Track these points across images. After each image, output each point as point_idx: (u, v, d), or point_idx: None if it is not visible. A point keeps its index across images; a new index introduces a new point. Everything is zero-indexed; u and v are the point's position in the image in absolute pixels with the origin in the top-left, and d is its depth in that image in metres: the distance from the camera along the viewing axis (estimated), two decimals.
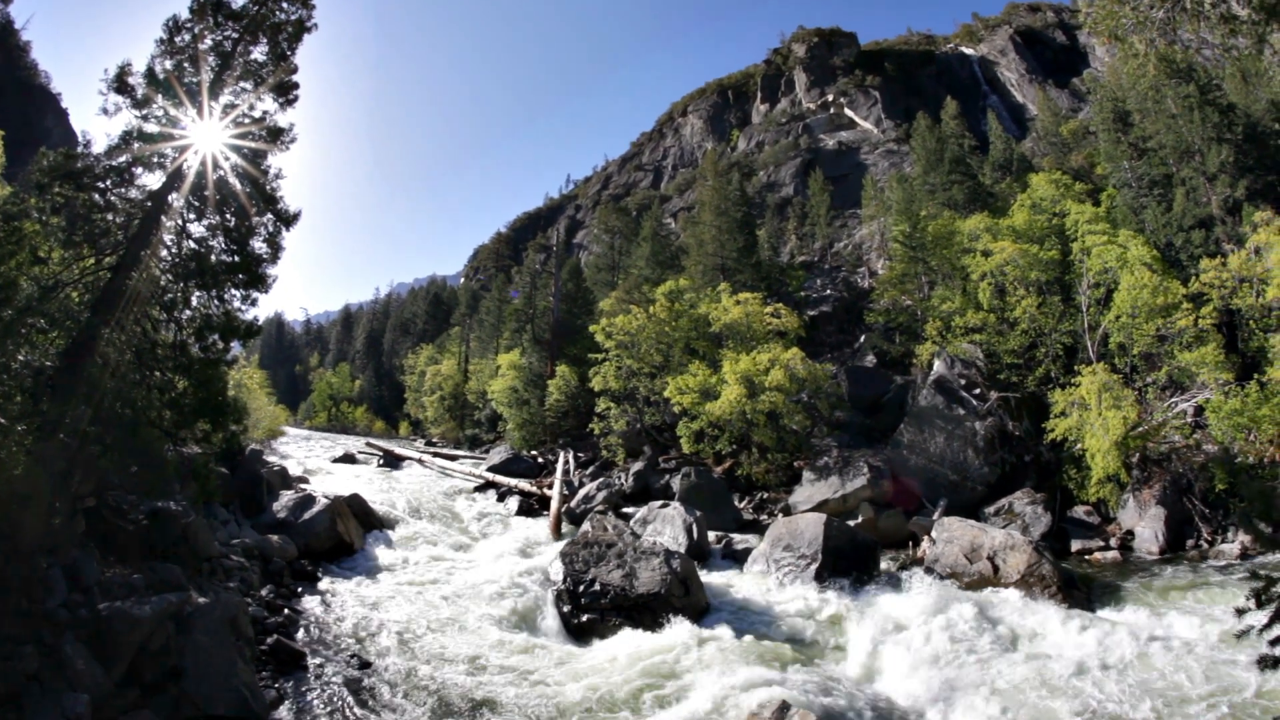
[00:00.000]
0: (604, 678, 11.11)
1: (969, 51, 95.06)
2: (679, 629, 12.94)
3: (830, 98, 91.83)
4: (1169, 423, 21.03)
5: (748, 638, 12.86)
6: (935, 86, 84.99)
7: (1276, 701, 9.22)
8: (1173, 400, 22.15)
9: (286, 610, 12.47)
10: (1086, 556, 19.10)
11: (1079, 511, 21.55)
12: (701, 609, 14.59)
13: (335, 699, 9.72)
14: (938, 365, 26.88)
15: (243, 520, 16.59)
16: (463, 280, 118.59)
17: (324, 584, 14.77)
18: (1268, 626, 4.67)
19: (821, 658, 12.72)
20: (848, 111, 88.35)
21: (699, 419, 28.41)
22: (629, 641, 12.77)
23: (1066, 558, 18.89)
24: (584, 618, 13.89)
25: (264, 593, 12.94)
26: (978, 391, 25.47)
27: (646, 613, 13.68)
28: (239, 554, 13.93)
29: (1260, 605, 4.72)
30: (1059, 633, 13.08)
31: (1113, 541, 19.61)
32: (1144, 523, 19.51)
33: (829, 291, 48.04)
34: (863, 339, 39.64)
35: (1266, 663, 4.72)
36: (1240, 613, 4.86)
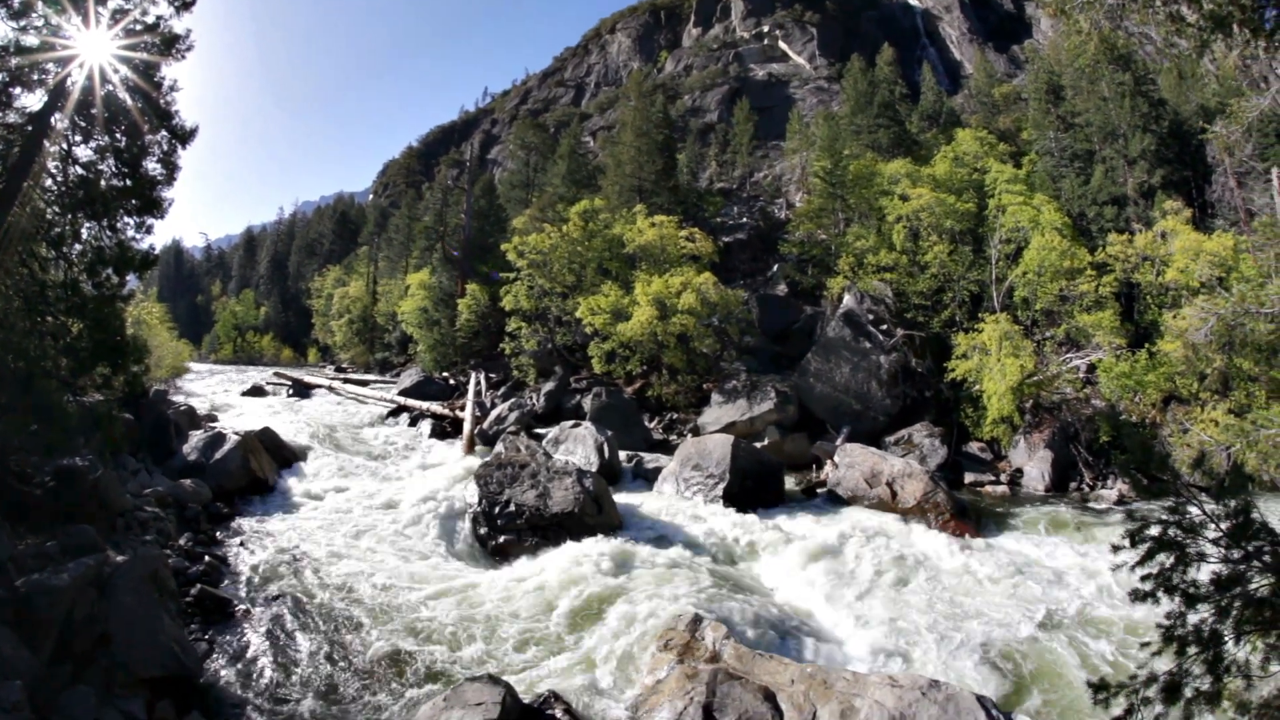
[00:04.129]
0: (522, 597, 11.32)
1: (914, 2, 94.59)
2: (593, 547, 13.12)
3: (766, 29, 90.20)
4: (1062, 376, 22.65)
5: (660, 554, 13.18)
6: (874, 31, 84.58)
7: (1142, 633, 9.88)
8: (1068, 356, 23.83)
9: (207, 557, 12.04)
10: (978, 489, 20.45)
11: (973, 447, 23.06)
12: (615, 527, 14.85)
13: (265, 642, 9.62)
14: (848, 299, 27.50)
15: (153, 467, 15.74)
16: (371, 197, 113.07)
17: (242, 524, 14.31)
18: (1140, 564, 5.09)
19: (730, 572, 13.22)
20: (782, 44, 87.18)
21: (610, 340, 28.47)
22: (545, 561, 12.94)
23: (960, 488, 20.18)
24: (500, 539, 13.97)
25: (182, 541, 12.41)
26: (884, 327, 26.31)
27: (561, 532, 13.86)
28: (152, 504, 13.26)
29: (1134, 545, 5.14)
30: (948, 554, 14.14)
31: (1003, 477, 21.17)
32: (1033, 463, 21.07)
33: (745, 220, 48.06)
34: (775, 268, 40.20)
35: (1137, 595, 5.17)
36: (1116, 549, 5.24)
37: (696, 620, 9.47)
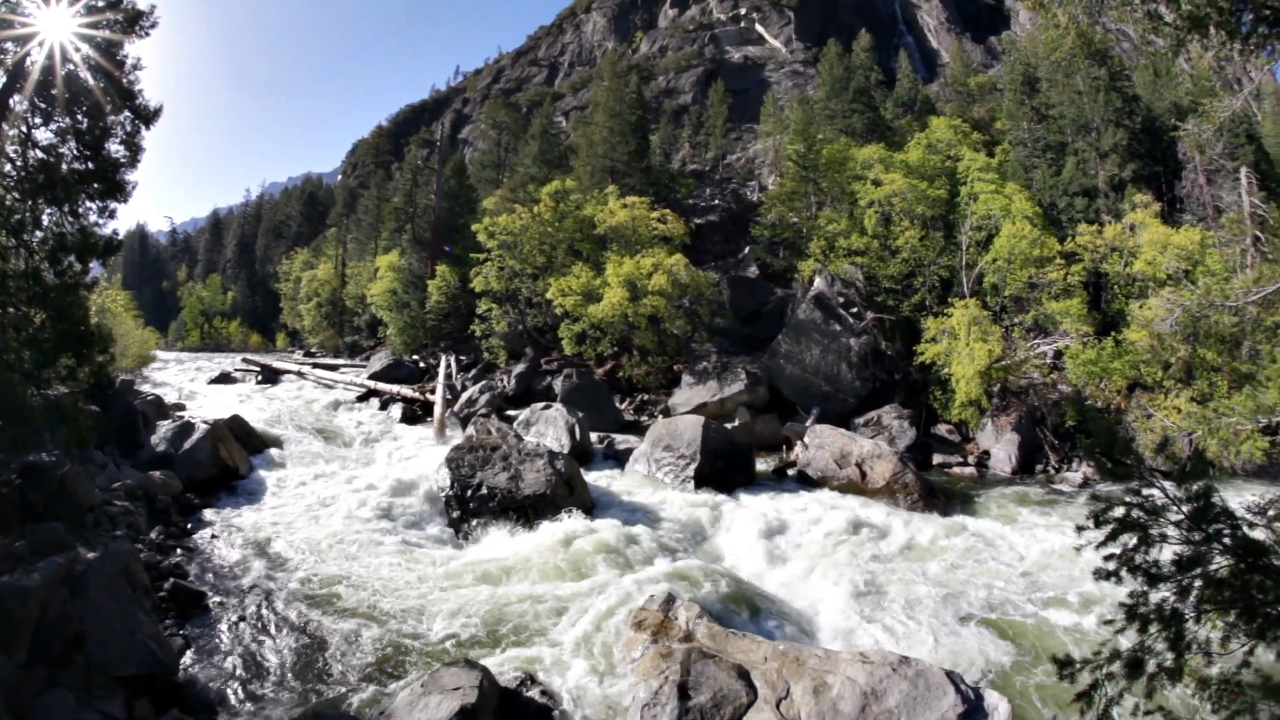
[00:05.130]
0: (496, 580, 11.36)
1: None
2: (566, 528, 13.19)
3: (743, 11, 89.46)
4: (1030, 361, 23.18)
5: (632, 534, 13.26)
6: (852, 17, 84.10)
7: (1106, 612, 10.03)
8: (1035, 342, 24.33)
9: (179, 550, 11.91)
10: (946, 470, 20.81)
11: (942, 429, 23.45)
12: (587, 508, 14.91)
13: (241, 634, 9.56)
14: (818, 282, 27.65)
15: (121, 460, 15.39)
16: (340, 178, 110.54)
17: (213, 515, 14.11)
18: (1103, 543, 5.17)
19: (702, 552, 13.42)
20: (759, 27, 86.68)
21: (581, 321, 28.46)
22: (518, 543, 12.96)
23: (928, 469, 20.64)
24: (473, 522, 13.95)
25: (153, 535, 12.20)
26: (855, 310, 26.51)
27: (534, 514, 13.91)
28: (122, 497, 12.98)
29: (1098, 525, 5.21)
30: (917, 533, 14.45)
31: (971, 459, 21.55)
32: (1000, 445, 21.48)
33: (717, 201, 48.06)
34: (747, 250, 40.30)
35: (1101, 574, 5.25)
36: (1080, 530, 5.31)
37: (670, 600, 9.57)
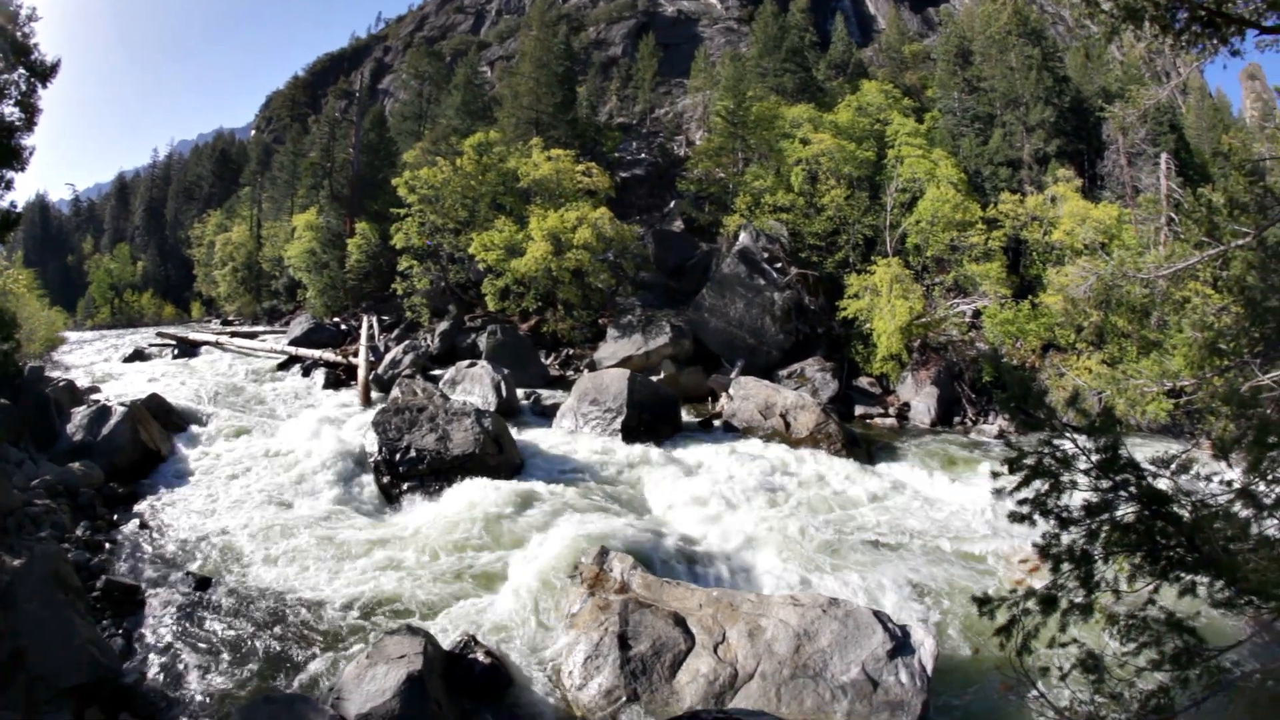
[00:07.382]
0: (430, 544, 11.29)
1: None
2: (497, 487, 13.14)
3: None
4: (949, 319, 24.24)
5: (562, 489, 13.44)
6: None
7: (1019, 554, 10.99)
8: (955, 301, 25.41)
9: (108, 545, 11.38)
10: (868, 421, 21.57)
11: (863, 382, 24.24)
12: (516, 465, 15.02)
13: (181, 626, 9.25)
14: (743, 237, 27.92)
15: (38, 454, 14.37)
16: (254, 133, 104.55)
17: (140, 504, 13.45)
18: (1017, 489, 5.35)
19: (632, 504, 13.70)
20: None
21: (504, 276, 28.18)
22: (450, 504, 12.84)
23: (851, 420, 21.46)
24: (404, 486, 13.80)
25: (79, 531, 11.57)
26: (779, 266, 26.88)
27: (464, 474, 13.78)
28: (42, 495, 12.20)
29: (1012, 472, 5.38)
30: (840, 481, 15.09)
31: (891, 411, 22.43)
32: (919, 398, 22.37)
33: (644, 156, 47.82)
34: (673, 205, 40.44)
35: (1015, 517, 5.45)
36: (996, 476, 5.51)
37: (604, 552, 9.72)
